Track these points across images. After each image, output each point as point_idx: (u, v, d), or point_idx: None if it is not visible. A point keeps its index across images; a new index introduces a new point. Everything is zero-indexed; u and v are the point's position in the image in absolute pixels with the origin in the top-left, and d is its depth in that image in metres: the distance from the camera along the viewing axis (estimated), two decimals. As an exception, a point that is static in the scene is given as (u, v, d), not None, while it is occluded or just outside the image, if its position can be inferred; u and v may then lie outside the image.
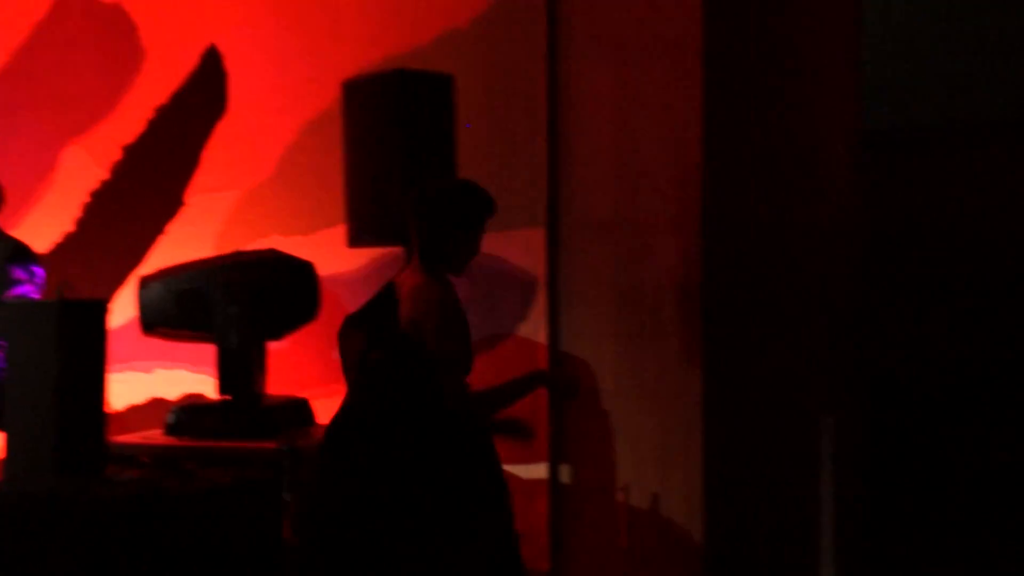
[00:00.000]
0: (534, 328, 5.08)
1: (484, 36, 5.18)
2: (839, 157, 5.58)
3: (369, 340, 3.85)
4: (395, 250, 4.62)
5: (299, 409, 4.75)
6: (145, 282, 4.92)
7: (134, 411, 5.66)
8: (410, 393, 3.70)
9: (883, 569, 5.98)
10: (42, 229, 5.83)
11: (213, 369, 4.78)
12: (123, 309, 5.35)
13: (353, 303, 5.29)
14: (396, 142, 4.07)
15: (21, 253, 4.94)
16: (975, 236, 6.83)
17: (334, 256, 5.11)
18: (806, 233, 5.34)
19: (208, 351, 4.83)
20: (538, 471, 5.02)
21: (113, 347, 4.20)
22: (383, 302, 3.84)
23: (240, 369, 4.63)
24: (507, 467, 5.03)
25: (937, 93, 6.90)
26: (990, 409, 6.76)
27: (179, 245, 5.56)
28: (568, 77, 5.07)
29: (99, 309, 4.10)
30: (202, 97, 5.68)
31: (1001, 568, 6.27)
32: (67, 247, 5.91)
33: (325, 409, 4.89)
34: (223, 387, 4.67)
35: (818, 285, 5.43)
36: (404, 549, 3.66)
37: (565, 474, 5.05)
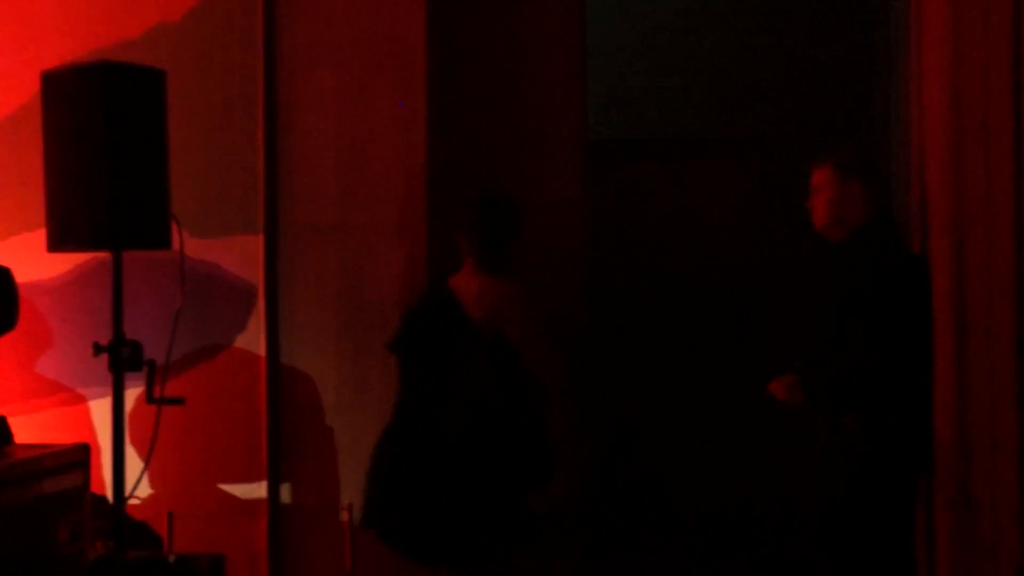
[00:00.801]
0: (253, 339, 4.91)
1: (198, 31, 4.99)
2: (563, 166, 5.61)
3: (446, 341, 4.36)
4: (101, 255, 4.34)
5: (-7, 428, 4.40)
6: None
7: None
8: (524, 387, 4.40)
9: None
10: None
11: None
12: None
13: (56, 311, 4.98)
14: (101, 140, 3.79)
15: None
16: (689, 246, 7.06)
17: (34, 261, 4.78)
18: (532, 241, 5.34)
19: None
20: (257, 490, 4.86)
21: None
22: (445, 305, 4.38)
23: (-75, 385, 4.26)
24: (223, 486, 4.82)
25: (654, 109, 7.12)
26: (712, 414, 6.95)
27: None
28: (289, 77, 4.95)
29: None
30: None
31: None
32: None
33: (24, 427, 4.54)
34: (-95, 405, 4.29)
35: (544, 293, 5.43)
36: None
37: (286, 494, 4.90)
